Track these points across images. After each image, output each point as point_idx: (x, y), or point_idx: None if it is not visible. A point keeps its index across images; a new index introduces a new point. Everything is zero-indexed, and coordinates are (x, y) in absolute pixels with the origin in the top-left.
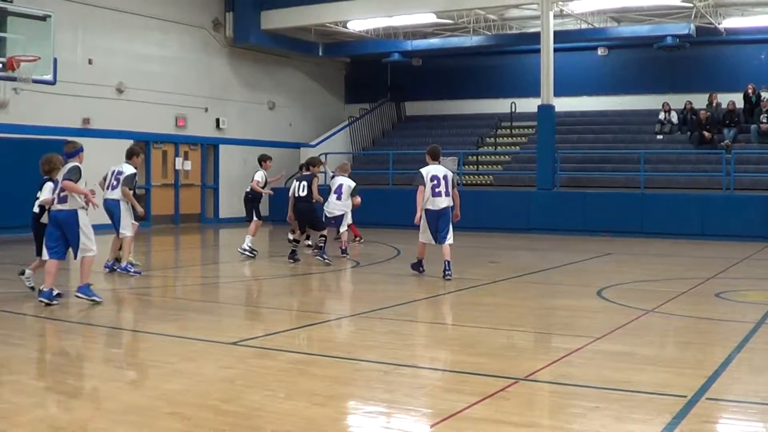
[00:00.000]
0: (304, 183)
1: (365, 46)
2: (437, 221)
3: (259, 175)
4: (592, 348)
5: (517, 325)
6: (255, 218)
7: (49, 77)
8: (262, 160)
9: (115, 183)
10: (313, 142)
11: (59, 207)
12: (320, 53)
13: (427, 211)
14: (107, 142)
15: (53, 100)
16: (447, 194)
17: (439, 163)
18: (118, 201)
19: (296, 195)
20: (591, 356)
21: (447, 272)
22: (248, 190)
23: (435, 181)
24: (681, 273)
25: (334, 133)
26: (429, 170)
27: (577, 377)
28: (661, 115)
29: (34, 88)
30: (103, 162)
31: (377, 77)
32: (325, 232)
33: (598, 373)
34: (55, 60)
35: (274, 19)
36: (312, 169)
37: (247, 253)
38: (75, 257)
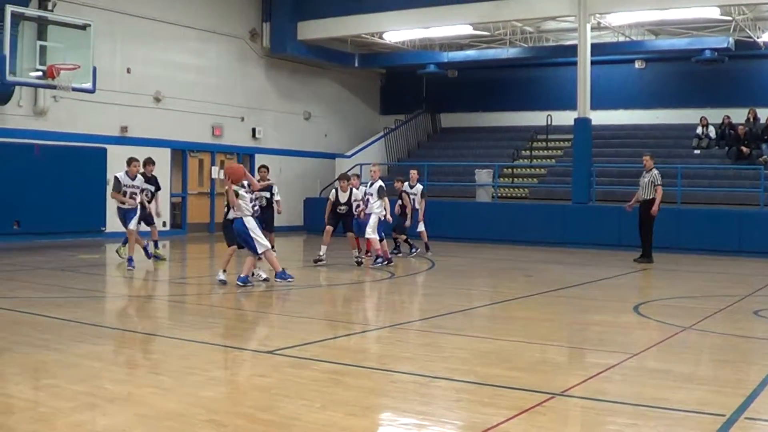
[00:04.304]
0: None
1: (401, 57)
2: None
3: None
4: (629, 364)
5: (553, 339)
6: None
7: (88, 85)
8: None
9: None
10: (348, 153)
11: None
12: (356, 64)
13: None
14: (144, 151)
15: (92, 109)
16: None
17: None
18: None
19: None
20: (627, 373)
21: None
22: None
23: None
24: (718, 290)
25: (369, 144)
26: None
27: (613, 393)
28: (699, 130)
29: (73, 96)
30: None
31: (413, 88)
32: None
33: (635, 389)
34: (95, 69)
35: (311, 30)
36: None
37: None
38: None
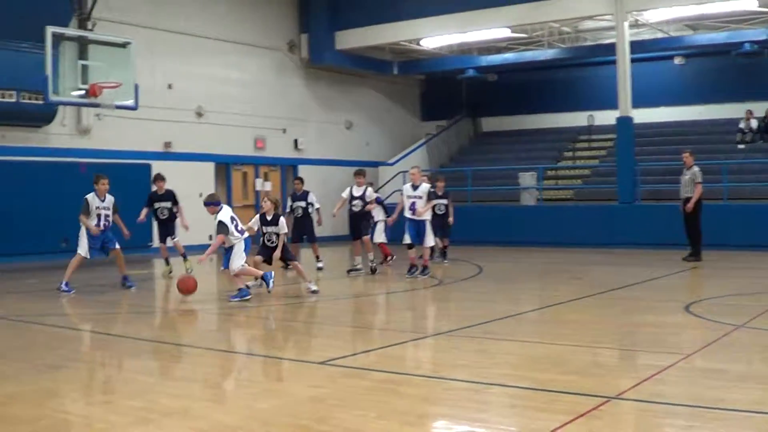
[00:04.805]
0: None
1: (440, 63)
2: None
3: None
4: (683, 365)
5: (604, 342)
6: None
7: (131, 103)
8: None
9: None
10: (390, 161)
11: None
12: (395, 71)
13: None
14: (188, 165)
15: (135, 125)
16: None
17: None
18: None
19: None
20: (682, 374)
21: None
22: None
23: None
24: None
25: (411, 151)
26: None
27: (669, 395)
28: (742, 124)
29: (116, 114)
30: (185, 184)
31: (453, 94)
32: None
33: (691, 391)
34: (136, 86)
35: (349, 39)
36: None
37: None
38: None
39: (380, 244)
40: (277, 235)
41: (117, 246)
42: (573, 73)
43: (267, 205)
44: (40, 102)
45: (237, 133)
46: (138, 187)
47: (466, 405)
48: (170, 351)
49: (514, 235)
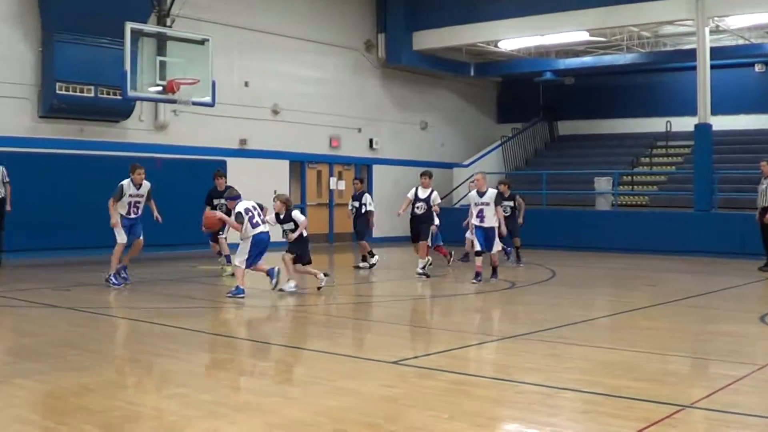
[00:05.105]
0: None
1: (517, 65)
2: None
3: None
4: (758, 376)
5: (678, 350)
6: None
7: (208, 99)
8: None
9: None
10: (465, 162)
11: None
12: (472, 73)
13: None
14: (263, 163)
15: (211, 122)
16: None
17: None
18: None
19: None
20: (757, 384)
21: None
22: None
23: None
24: None
25: (486, 153)
26: None
27: (744, 406)
28: None
29: (192, 110)
30: (260, 182)
31: (529, 96)
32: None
33: (765, 401)
34: (214, 83)
35: (426, 40)
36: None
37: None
38: None
39: (437, 247)
40: (293, 231)
41: (141, 237)
42: (651, 78)
43: (277, 205)
44: (118, 97)
45: (312, 131)
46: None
47: (537, 409)
48: (241, 346)
49: (587, 240)
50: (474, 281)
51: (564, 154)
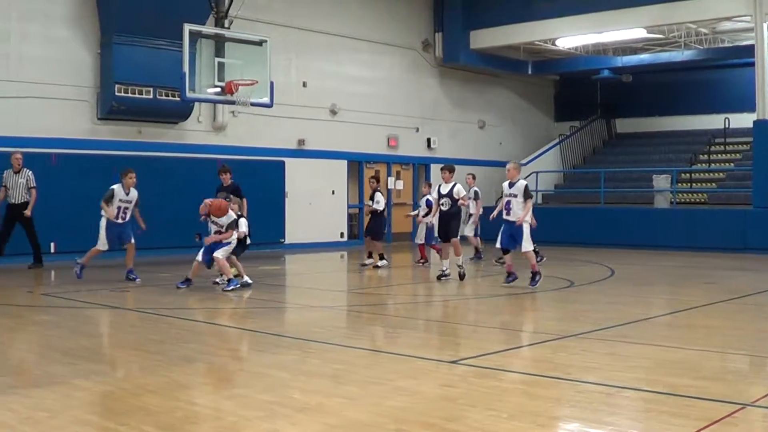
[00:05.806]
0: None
1: (574, 63)
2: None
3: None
4: None
5: (738, 348)
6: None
7: (266, 100)
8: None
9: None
10: (523, 161)
11: None
12: (529, 71)
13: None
14: (321, 163)
15: (269, 123)
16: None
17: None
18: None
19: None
20: None
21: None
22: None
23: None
24: None
25: (544, 152)
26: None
27: None
28: None
29: (251, 111)
30: (318, 181)
31: (587, 94)
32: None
33: None
34: (272, 83)
35: (483, 39)
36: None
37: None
38: None
39: (432, 246)
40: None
41: (132, 240)
42: (709, 75)
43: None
44: (177, 99)
45: (370, 131)
46: (272, 183)
47: (598, 408)
48: (301, 346)
49: (646, 238)
50: (505, 283)
51: (622, 151)
